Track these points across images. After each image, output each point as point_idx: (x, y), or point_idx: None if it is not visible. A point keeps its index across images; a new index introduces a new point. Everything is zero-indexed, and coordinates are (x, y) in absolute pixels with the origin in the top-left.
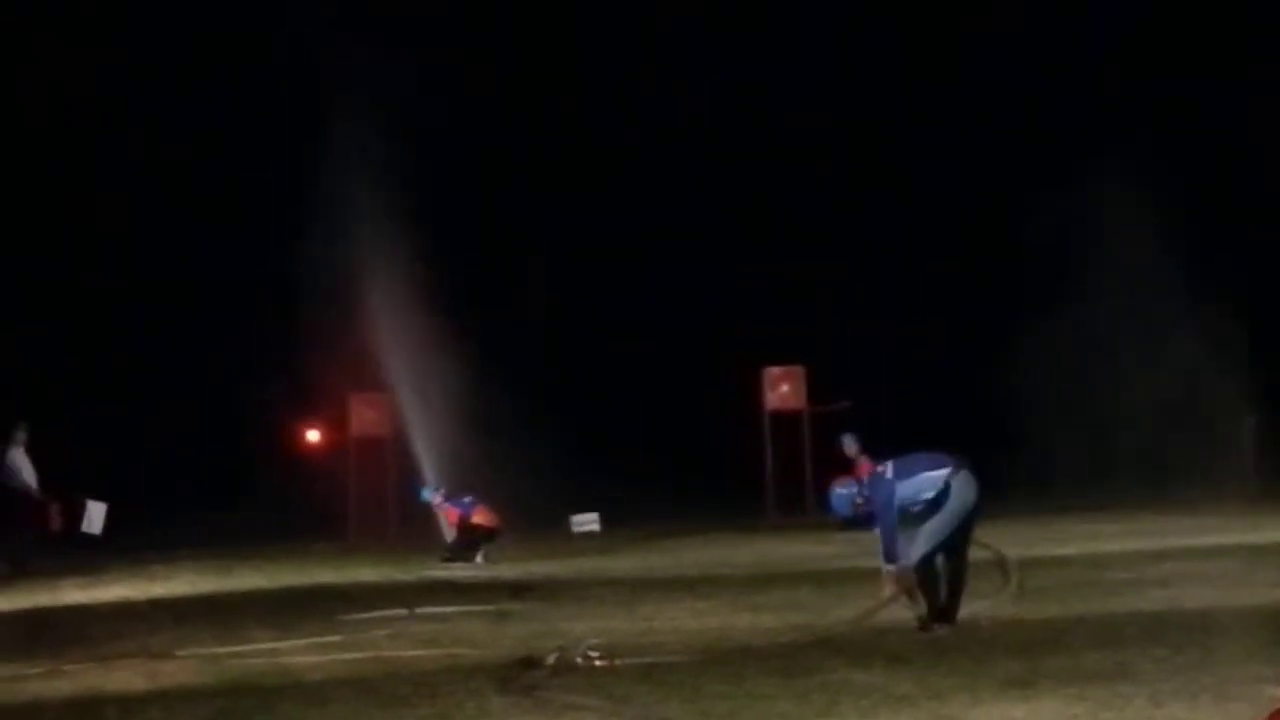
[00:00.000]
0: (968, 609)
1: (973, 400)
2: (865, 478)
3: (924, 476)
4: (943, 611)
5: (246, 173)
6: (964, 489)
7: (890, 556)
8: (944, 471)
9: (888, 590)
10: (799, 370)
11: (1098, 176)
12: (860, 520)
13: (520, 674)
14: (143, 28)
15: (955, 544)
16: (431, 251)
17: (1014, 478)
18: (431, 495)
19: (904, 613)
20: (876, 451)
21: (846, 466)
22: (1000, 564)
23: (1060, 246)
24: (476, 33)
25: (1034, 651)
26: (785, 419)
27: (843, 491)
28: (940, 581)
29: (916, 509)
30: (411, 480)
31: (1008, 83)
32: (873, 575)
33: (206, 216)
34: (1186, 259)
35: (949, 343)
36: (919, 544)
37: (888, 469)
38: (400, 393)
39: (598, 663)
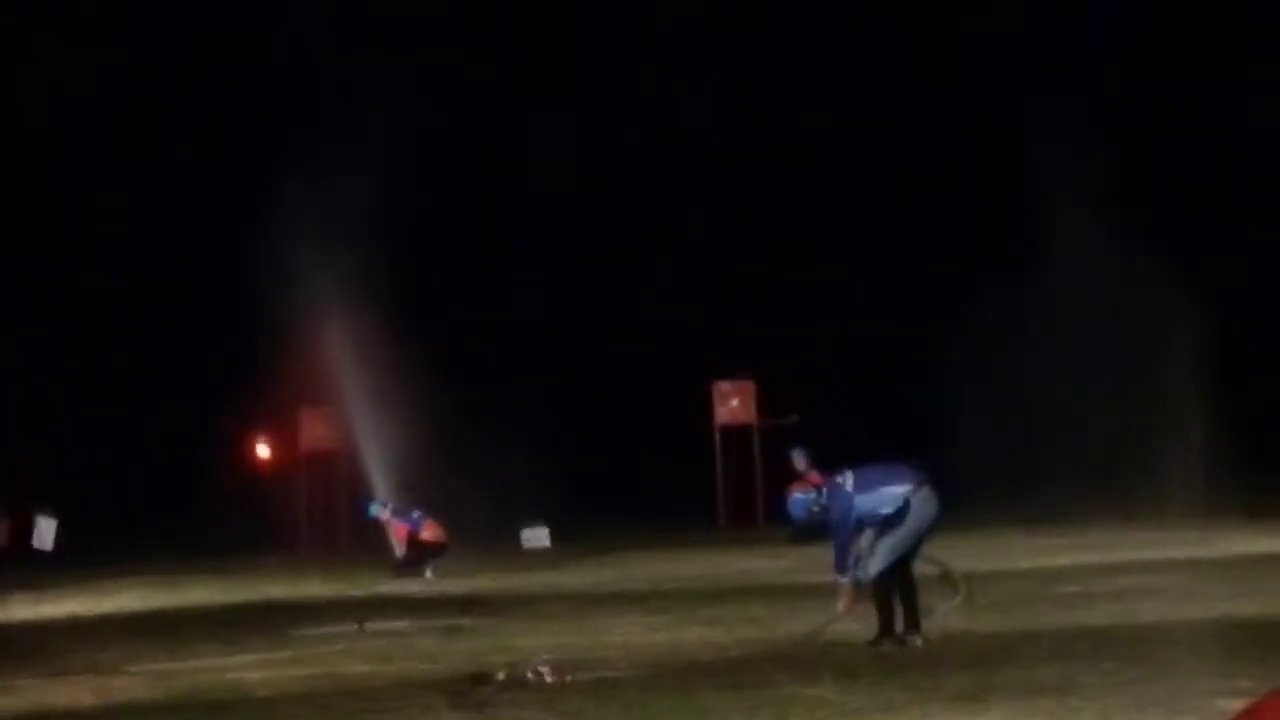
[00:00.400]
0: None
1: (919, 411)
2: (824, 485)
3: (885, 491)
4: (906, 622)
5: (201, 190)
6: (924, 506)
7: (841, 567)
8: (905, 488)
9: (840, 602)
10: (749, 384)
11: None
12: (812, 530)
13: (471, 689)
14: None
15: (906, 557)
16: (383, 264)
17: (963, 491)
18: (379, 510)
19: (855, 627)
20: (827, 466)
21: (799, 481)
22: (947, 576)
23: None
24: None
25: (984, 665)
26: (735, 433)
27: (800, 496)
28: (894, 597)
29: (874, 523)
30: (361, 495)
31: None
32: (824, 589)
33: (157, 232)
34: (1149, 276)
35: (897, 357)
36: (877, 559)
37: (848, 480)
38: (350, 407)
39: (548, 679)
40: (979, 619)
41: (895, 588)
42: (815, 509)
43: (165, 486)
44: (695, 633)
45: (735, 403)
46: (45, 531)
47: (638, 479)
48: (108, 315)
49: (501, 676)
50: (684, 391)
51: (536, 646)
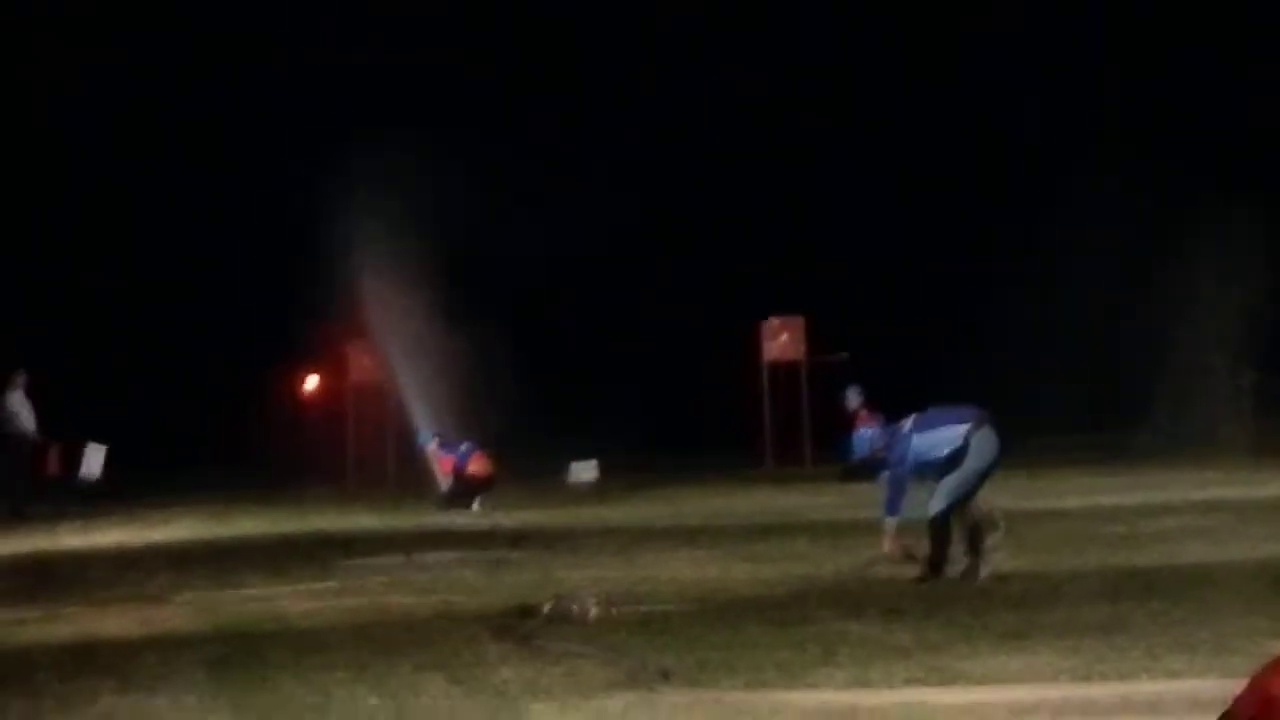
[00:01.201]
0: (960, 563)
1: (971, 349)
2: (880, 426)
3: (943, 432)
4: (969, 560)
5: (252, 123)
6: (984, 445)
7: (892, 510)
8: (964, 428)
9: (886, 544)
10: (798, 321)
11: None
12: (864, 468)
13: (516, 622)
14: None
15: (970, 498)
16: (432, 198)
17: (1012, 428)
18: (428, 441)
19: (902, 565)
20: (879, 405)
21: (848, 420)
22: (988, 515)
23: (1055, 196)
24: None
25: (1030, 604)
26: (784, 369)
27: (866, 432)
28: (951, 536)
29: (934, 465)
30: (408, 427)
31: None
32: (870, 526)
33: (209, 164)
34: (1190, 221)
35: (949, 293)
36: (938, 499)
37: (908, 423)
38: (398, 341)
39: (593, 611)
40: (1025, 558)
41: (954, 528)
42: (877, 447)
43: (214, 419)
44: (742, 568)
45: (784, 339)
46: (94, 460)
47: (686, 415)
48: (159, 245)
49: (547, 609)
50: (733, 328)
51: (583, 580)
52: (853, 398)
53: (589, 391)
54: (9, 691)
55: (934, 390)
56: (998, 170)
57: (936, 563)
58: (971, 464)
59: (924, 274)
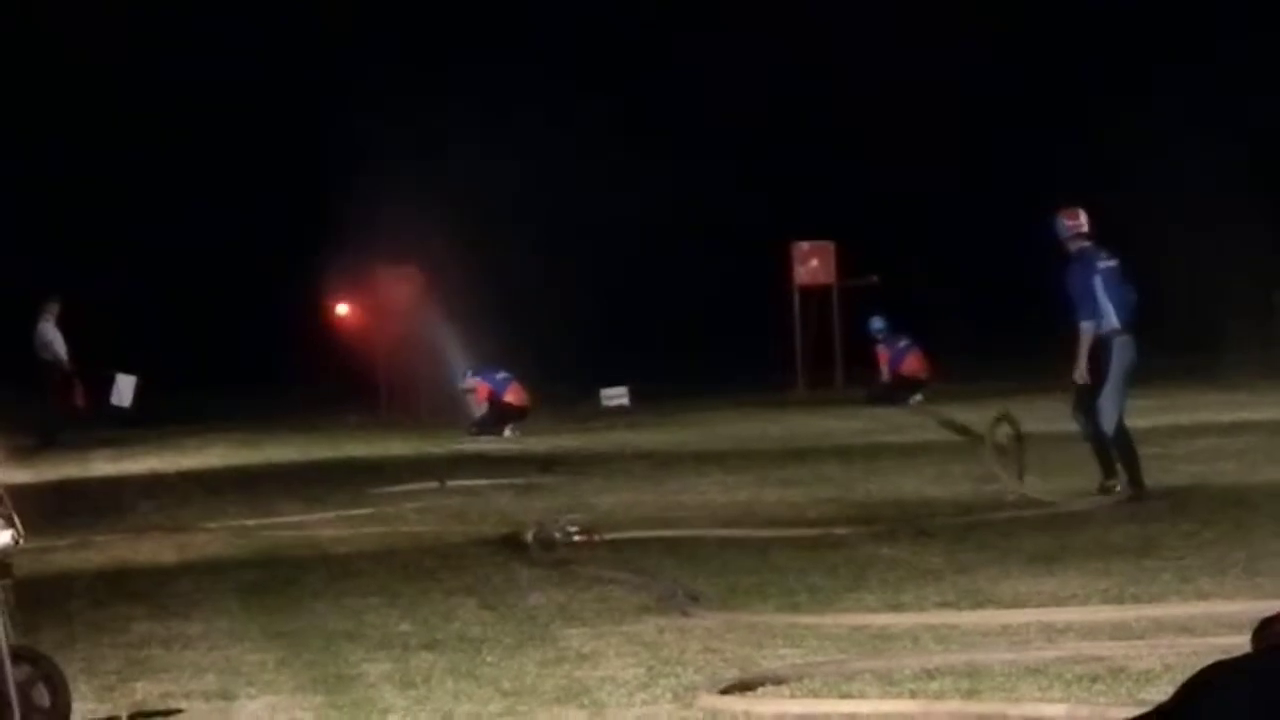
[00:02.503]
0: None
1: (1001, 274)
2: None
3: (1108, 305)
4: (1106, 471)
5: (283, 51)
6: (1124, 351)
7: (1085, 316)
8: (1116, 323)
9: (1081, 351)
10: (828, 245)
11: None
12: (888, 395)
13: (507, 549)
14: None
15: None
16: (462, 123)
17: (1045, 353)
18: (466, 379)
19: (932, 488)
20: (906, 330)
21: (872, 345)
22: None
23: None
24: None
25: (1062, 527)
26: (815, 294)
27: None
28: (1133, 446)
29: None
30: (444, 360)
31: None
32: (900, 448)
33: (238, 92)
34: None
35: (979, 216)
36: (1105, 416)
37: (1107, 267)
38: (430, 267)
39: (576, 538)
40: (1055, 481)
41: (1127, 436)
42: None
43: (246, 346)
44: (774, 492)
45: (815, 263)
46: (125, 389)
47: (717, 340)
48: (190, 173)
49: (529, 536)
50: (764, 252)
51: (615, 504)
52: (875, 324)
53: (620, 317)
54: (43, 619)
55: (964, 313)
56: (1033, 89)
57: (1135, 478)
58: (1116, 368)
59: (953, 196)
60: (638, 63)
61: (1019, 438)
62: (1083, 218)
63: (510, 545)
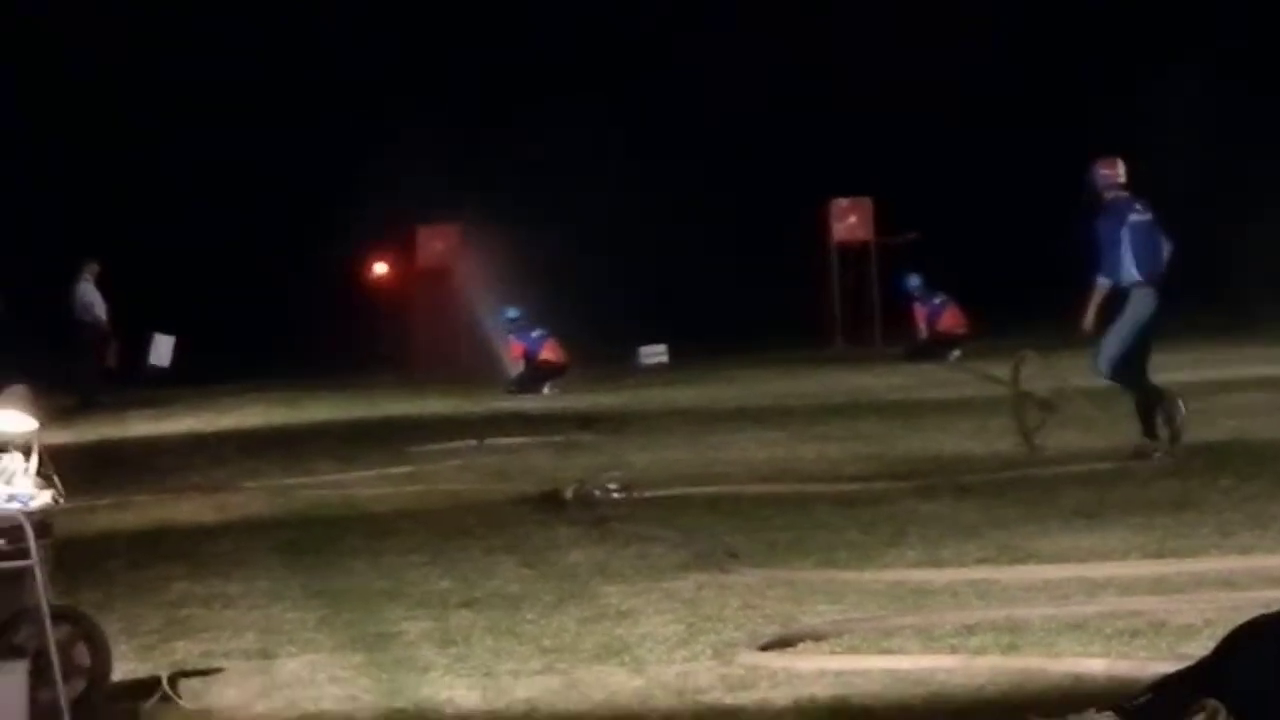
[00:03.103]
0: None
1: (1038, 229)
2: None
3: (1131, 257)
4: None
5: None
6: (1142, 303)
7: (1105, 272)
8: (1138, 275)
9: (1092, 302)
10: (866, 201)
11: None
12: (926, 350)
13: (547, 507)
14: None
15: (1139, 363)
16: (500, 84)
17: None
18: (512, 317)
19: (970, 444)
20: (943, 286)
21: (908, 303)
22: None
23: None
24: None
25: (1101, 482)
26: (852, 250)
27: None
28: (1148, 396)
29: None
30: (478, 312)
31: None
32: (937, 405)
33: (277, 45)
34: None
35: (1016, 173)
36: (1104, 355)
37: (1135, 212)
38: (469, 226)
39: (615, 496)
40: (1094, 436)
41: (1150, 392)
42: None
43: (284, 305)
44: (811, 449)
45: (853, 220)
46: (163, 348)
47: (755, 297)
48: (226, 132)
49: (569, 495)
50: (802, 208)
51: (652, 461)
52: (911, 281)
53: (658, 275)
54: (82, 579)
55: (1002, 269)
56: (1069, 41)
57: (1149, 428)
58: (1129, 316)
59: (988, 152)
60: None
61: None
62: (1120, 168)
63: (550, 503)
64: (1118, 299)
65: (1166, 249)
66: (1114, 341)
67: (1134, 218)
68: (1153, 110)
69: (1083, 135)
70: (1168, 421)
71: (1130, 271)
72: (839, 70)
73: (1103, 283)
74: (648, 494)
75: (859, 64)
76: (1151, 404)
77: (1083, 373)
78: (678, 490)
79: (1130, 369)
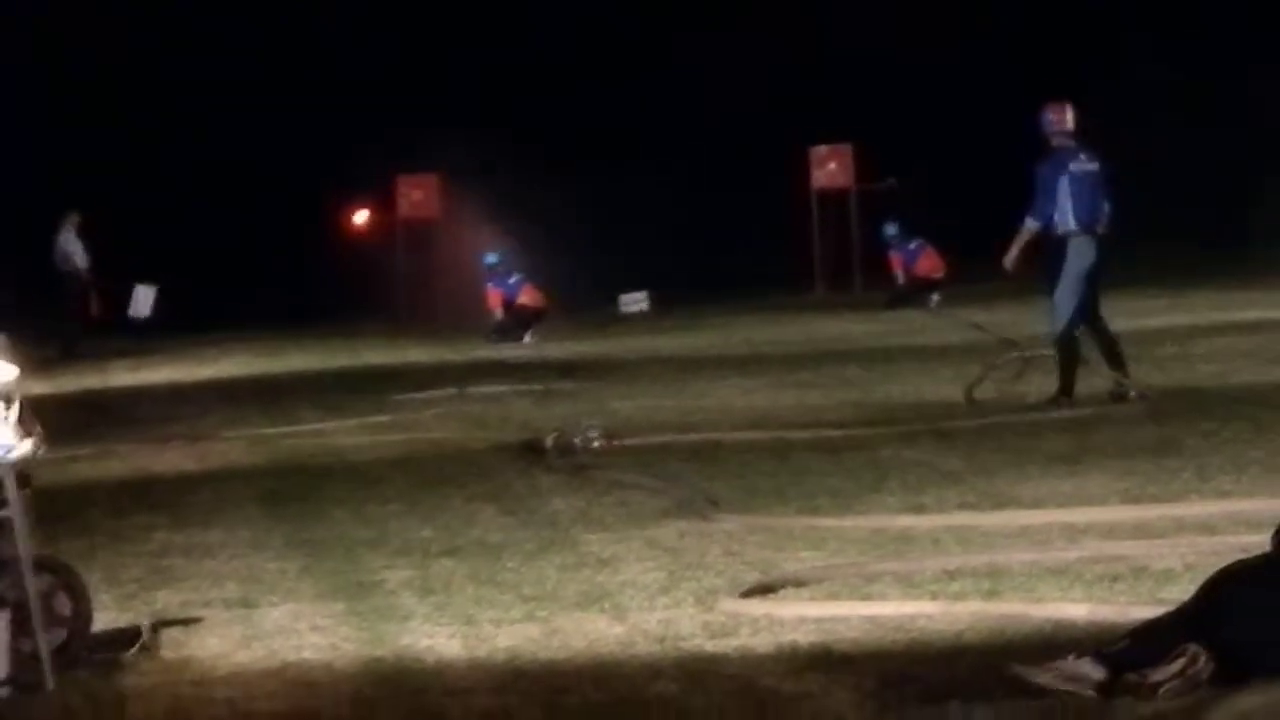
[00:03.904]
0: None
1: (1015, 171)
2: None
3: (1070, 206)
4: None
5: None
6: (1078, 253)
7: (1035, 216)
8: (1074, 224)
9: (1016, 245)
10: (847, 148)
11: None
12: (906, 297)
13: (527, 455)
14: None
15: (1090, 311)
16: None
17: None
18: (493, 261)
19: (950, 390)
20: (923, 232)
21: (886, 250)
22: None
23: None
24: None
25: (1081, 427)
26: (832, 197)
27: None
28: (1077, 355)
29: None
30: (460, 260)
31: None
32: (917, 351)
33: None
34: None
35: (998, 119)
36: (1058, 315)
37: (1077, 166)
38: (448, 174)
39: (596, 444)
40: (1075, 382)
41: (1080, 346)
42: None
43: (264, 255)
44: (792, 395)
45: (833, 166)
46: (143, 299)
47: (735, 245)
48: (207, 82)
49: (550, 442)
50: (782, 155)
51: (634, 409)
52: (889, 229)
53: (638, 223)
54: (63, 528)
55: (981, 215)
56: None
57: (1066, 385)
58: (1070, 271)
59: (973, 98)
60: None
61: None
62: (1068, 114)
63: (531, 451)
64: (1056, 250)
65: (1107, 205)
66: (1065, 299)
67: (1075, 167)
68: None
69: (1071, 76)
70: (1064, 372)
71: (1067, 219)
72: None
73: (1030, 225)
74: (628, 442)
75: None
76: (1066, 352)
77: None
78: (659, 439)
79: (1082, 320)
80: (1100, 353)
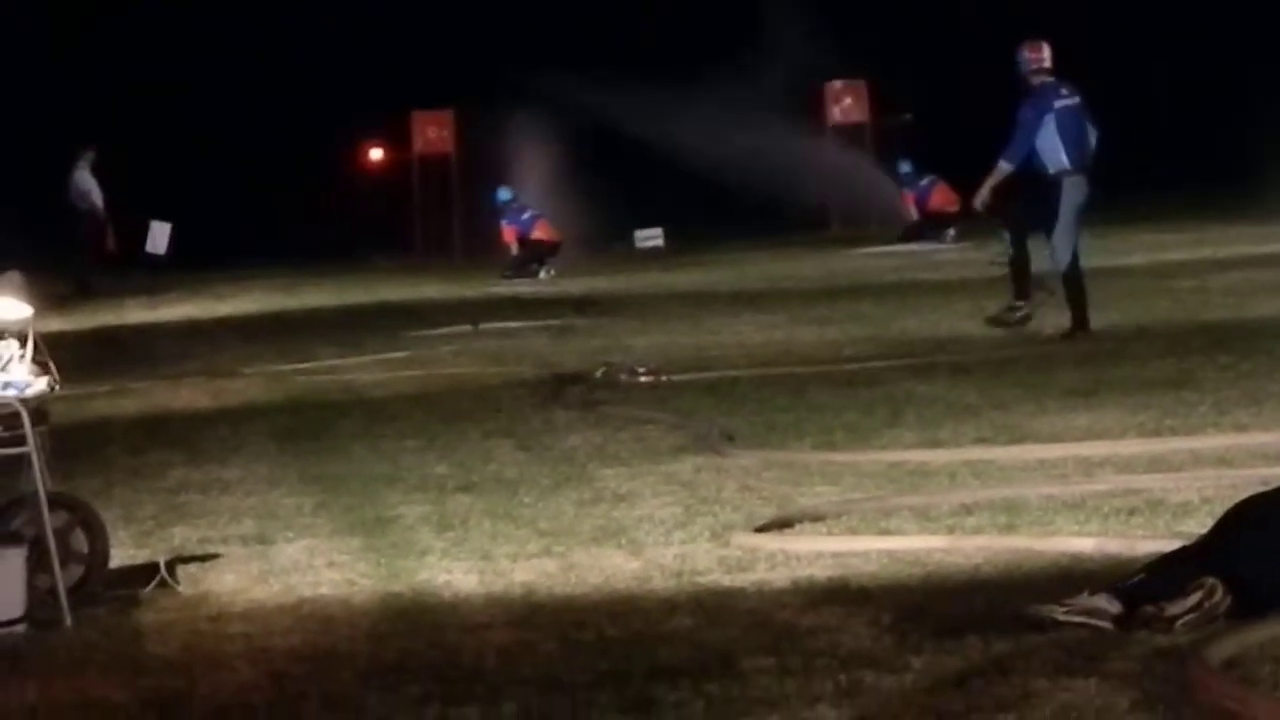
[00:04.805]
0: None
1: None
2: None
3: (1058, 146)
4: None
5: None
6: (1074, 190)
7: (1009, 159)
8: (1067, 163)
9: (985, 186)
10: (861, 84)
11: None
12: (919, 232)
13: (566, 389)
14: None
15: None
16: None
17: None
18: (505, 196)
19: (967, 324)
20: (938, 169)
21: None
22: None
23: None
24: None
25: (1097, 362)
26: (849, 133)
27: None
28: (1085, 286)
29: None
30: (483, 194)
31: None
32: (934, 285)
33: None
34: None
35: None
36: (1059, 254)
37: (1059, 101)
38: (463, 109)
39: (642, 379)
40: (1092, 316)
41: (1083, 279)
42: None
43: (280, 192)
44: (808, 331)
45: (848, 102)
46: (159, 236)
47: (750, 181)
48: (223, 18)
49: (598, 375)
50: (795, 92)
51: (650, 345)
52: (902, 167)
53: (652, 158)
54: (80, 465)
55: (995, 151)
56: None
57: (1080, 317)
58: (1065, 208)
59: (984, 31)
60: None
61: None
62: (1045, 51)
63: (571, 384)
64: (1048, 189)
65: (1093, 135)
66: (1063, 236)
67: (1060, 103)
68: None
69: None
70: (1075, 306)
71: (1060, 158)
72: None
73: (1004, 166)
74: (676, 378)
75: None
76: (1073, 287)
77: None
78: (705, 374)
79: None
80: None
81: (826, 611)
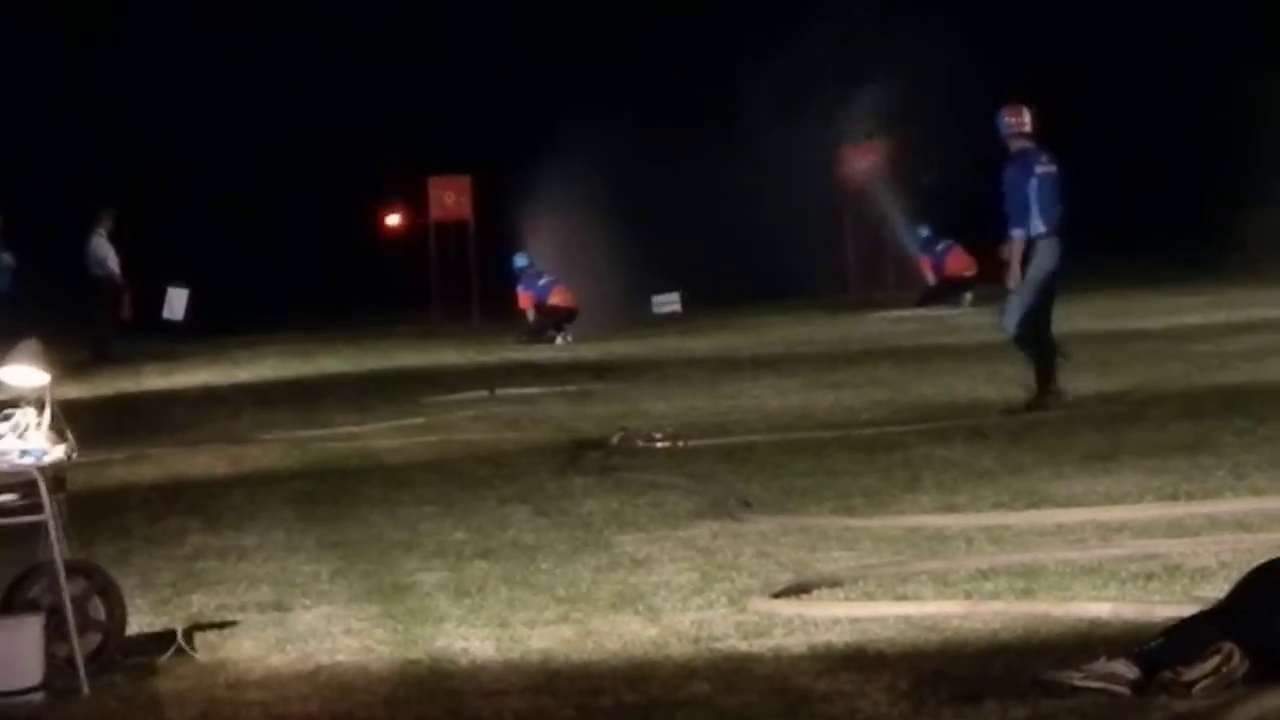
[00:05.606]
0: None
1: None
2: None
3: (1037, 209)
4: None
5: None
6: (1045, 255)
7: (1015, 226)
8: (1043, 227)
9: (1011, 254)
10: (876, 146)
11: None
12: (938, 296)
13: (583, 455)
14: None
15: (1043, 317)
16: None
17: (1092, 250)
18: (522, 262)
19: (984, 388)
20: (957, 232)
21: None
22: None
23: None
24: None
25: (1115, 425)
26: (866, 194)
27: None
28: (1048, 349)
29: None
30: (503, 257)
31: None
32: (949, 350)
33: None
34: None
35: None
36: (1009, 316)
37: (1039, 167)
38: (480, 176)
39: (660, 444)
40: (1109, 379)
41: (1039, 344)
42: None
43: (297, 257)
44: (826, 396)
45: (866, 164)
46: (176, 302)
47: (767, 246)
48: (241, 83)
49: (615, 440)
50: (811, 156)
51: (668, 411)
52: (923, 233)
53: (671, 225)
54: (98, 533)
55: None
56: None
57: (1044, 384)
58: (1034, 273)
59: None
60: None
61: None
62: (1026, 116)
63: (585, 451)
64: (1024, 252)
65: (1060, 206)
66: (1022, 299)
67: (1040, 169)
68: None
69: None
70: (1040, 371)
71: (1036, 224)
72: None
73: (1017, 235)
74: (693, 443)
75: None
76: (1050, 356)
77: (1092, 316)
78: (720, 440)
79: (1034, 324)
80: (1032, 362)
81: (843, 677)
